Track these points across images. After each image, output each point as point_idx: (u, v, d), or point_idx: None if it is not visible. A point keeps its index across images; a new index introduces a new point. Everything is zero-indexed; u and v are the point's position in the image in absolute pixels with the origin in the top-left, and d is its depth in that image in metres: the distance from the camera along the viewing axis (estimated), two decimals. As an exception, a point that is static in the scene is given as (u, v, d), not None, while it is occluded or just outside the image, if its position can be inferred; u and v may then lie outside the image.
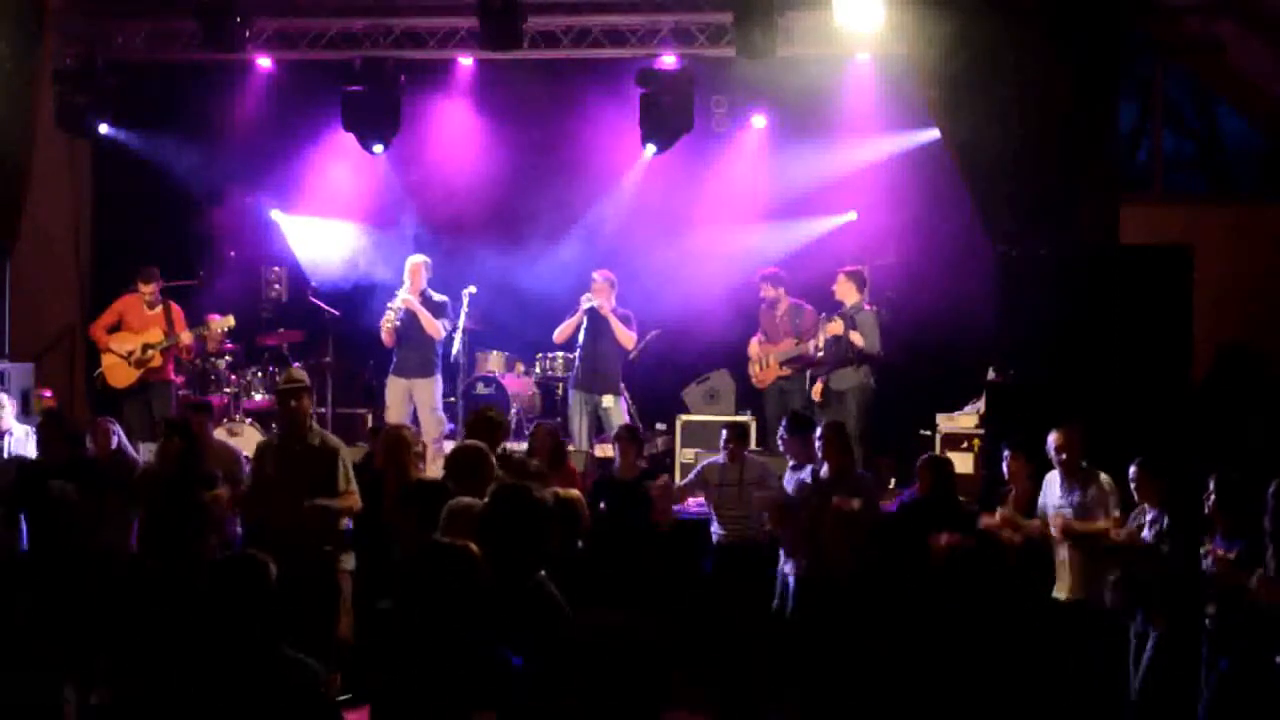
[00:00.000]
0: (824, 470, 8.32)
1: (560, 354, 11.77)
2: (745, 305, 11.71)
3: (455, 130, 12.78)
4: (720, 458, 8.79)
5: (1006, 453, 8.04)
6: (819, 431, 8.42)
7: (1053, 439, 7.62)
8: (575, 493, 6.23)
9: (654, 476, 8.84)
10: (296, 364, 11.95)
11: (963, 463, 9.88)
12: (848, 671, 7.70)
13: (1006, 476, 8.07)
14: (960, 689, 7.39)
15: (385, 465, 7.48)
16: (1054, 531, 7.55)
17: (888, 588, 7.81)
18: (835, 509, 8.05)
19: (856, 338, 10.46)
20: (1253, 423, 8.65)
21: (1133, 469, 7.20)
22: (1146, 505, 7.16)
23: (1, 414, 9.19)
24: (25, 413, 10.41)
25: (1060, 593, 7.58)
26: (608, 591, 7.91)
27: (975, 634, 7.50)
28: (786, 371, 11.12)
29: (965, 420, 10.34)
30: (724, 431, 8.87)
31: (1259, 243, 11.32)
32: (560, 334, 11.18)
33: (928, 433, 10.45)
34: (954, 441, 10.28)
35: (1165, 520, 7.00)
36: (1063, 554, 7.58)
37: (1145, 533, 7.06)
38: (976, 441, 10.02)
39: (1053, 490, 7.66)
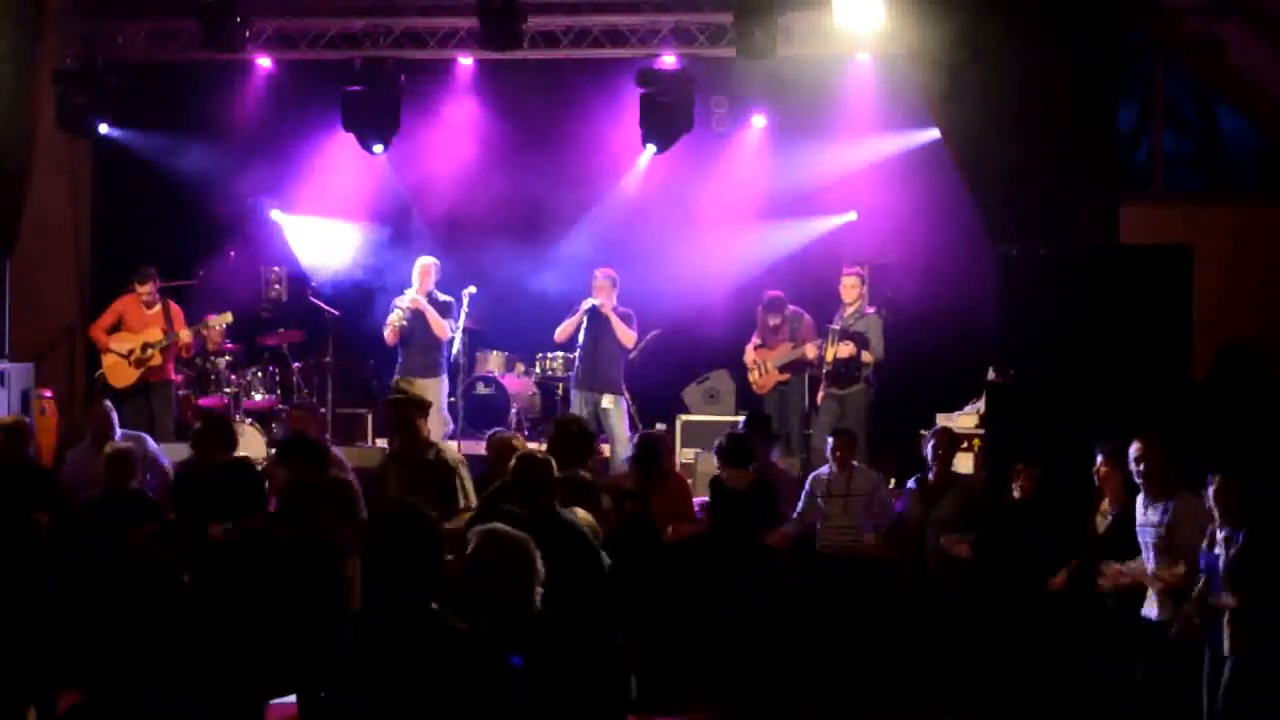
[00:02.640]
0: (931, 475, 8.31)
1: (560, 354, 11.77)
2: (745, 305, 11.71)
3: (455, 130, 12.77)
4: (825, 469, 8.64)
5: (1099, 457, 7.50)
6: (929, 434, 8.32)
7: (1132, 449, 7.09)
8: (585, 515, 5.94)
9: (766, 488, 8.45)
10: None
11: (963, 463, 9.87)
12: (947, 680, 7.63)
13: (1097, 483, 7.57)
14: (1049, 703, 7.33)
15: (496, 469, 7.20)
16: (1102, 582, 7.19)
17: (991, 596, 7.69)
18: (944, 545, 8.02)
19: (868, 356, 10.45)
20: (1253, 423, 8.63)
21: (1210, 482, 6.69)
22: (1221, 520, 6.62)
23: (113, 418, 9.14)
24: (25, 413, 10.40)
25: (1152, 612, 7.08)
26: (715, 599, 7.93)
27: (1065, 648, 7.39)
28: (785, 377, 11.11)
29: (965, 420, 10.34)
30: (830, 440, 8.69)
31: (1259, 243, 11.33)
32: (561, 333, 11.19)
33: (928, 433, 10.45)
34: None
35: (1242, 537, 6.50)
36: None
37: (1219, 549, 6.57)
38: (976, 441, 10.01)
39: (1139, 507, 7.11)
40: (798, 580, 8.40)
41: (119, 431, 8.94)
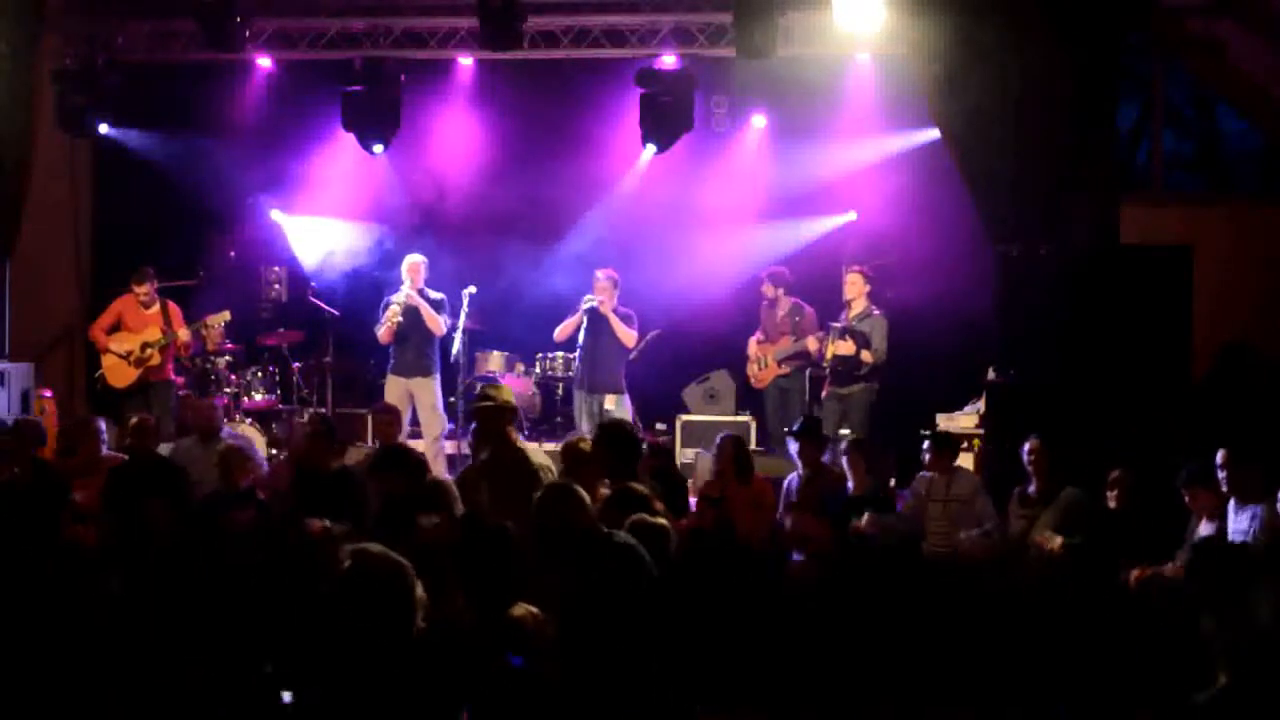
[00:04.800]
0: (1031, 488, 8.03)
1: (560, 354, 11.78)
2: (746, 305, 11.72)
3: (455, 130, 12.77)
4: (927, 472, 8.46)
5: (1184, 490, 7.21)
6: (1025, 446, 8.02)
7: (1218, 456, 6.96)
8: (663, 521, 5.61)
9: (882, 492, 8.36)
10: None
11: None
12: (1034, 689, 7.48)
13: (1191, 507, 7.26)
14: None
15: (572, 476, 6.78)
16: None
17: (1080, 610, 7.42)
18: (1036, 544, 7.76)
19: (868, 356, 10.43)
20: (1253, 423, 8.63)
21: None
22: None
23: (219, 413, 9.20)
24: (25, 413, 10.41)
25: None
26: (835, 606, 7.79)
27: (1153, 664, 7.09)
28: (785, 370, 11.13)
29: (965, 420, 10.34)
30: (926, 444, 8.51)
31: (1259, 243, 11.32)
32: (560, 333, 11.22)
33: (928, 433, 10.44)
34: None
35: None
36: None
37: None
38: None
39: (1230, 515, 6.93)
40: (902, 582, 8.07)
41: (226, 429, 9.09)
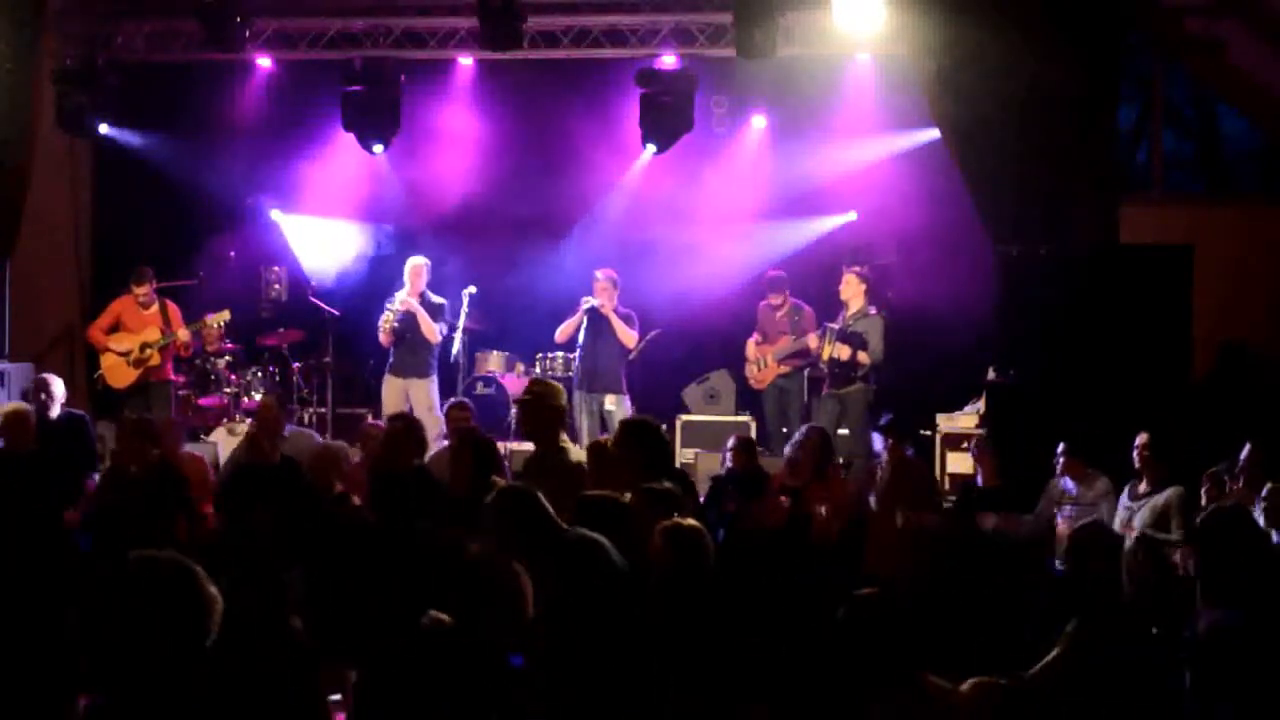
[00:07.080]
0: (1141, 484, 7.82)
1: (560, 354, 11.77)
2: (745, 305, 11.71)
3: (455, 130, 12.76)
4: (1065, 479, 8.15)
5: (1225, 480, 7.18)
6: (1136, 441, 7.77)
7: (1244, 450, 7.02)
8: (693, 523, 5.36)
9: (1012, 492, 8.17)
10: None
11: (963, 463, 9.87)
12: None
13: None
14: None
15: (597, 477, 6.69)
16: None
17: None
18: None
19: (864, 357, 10.42)
20: (1253, 423, 8.61)
21: None
22: None
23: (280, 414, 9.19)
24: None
25: None
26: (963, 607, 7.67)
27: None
28: (785, 369, 11.12)
29: (965, 420, 10.34)
30: (1060, 446, 8.13)
31: (1259, 243, 11.32)
32: (561, 334, 11.21)
33: (928, 433, 10.46)
34: (954, 441, 10.28)
35: None
36: None
37: None
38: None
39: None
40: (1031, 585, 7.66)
41: (288, 427, 9.08)
